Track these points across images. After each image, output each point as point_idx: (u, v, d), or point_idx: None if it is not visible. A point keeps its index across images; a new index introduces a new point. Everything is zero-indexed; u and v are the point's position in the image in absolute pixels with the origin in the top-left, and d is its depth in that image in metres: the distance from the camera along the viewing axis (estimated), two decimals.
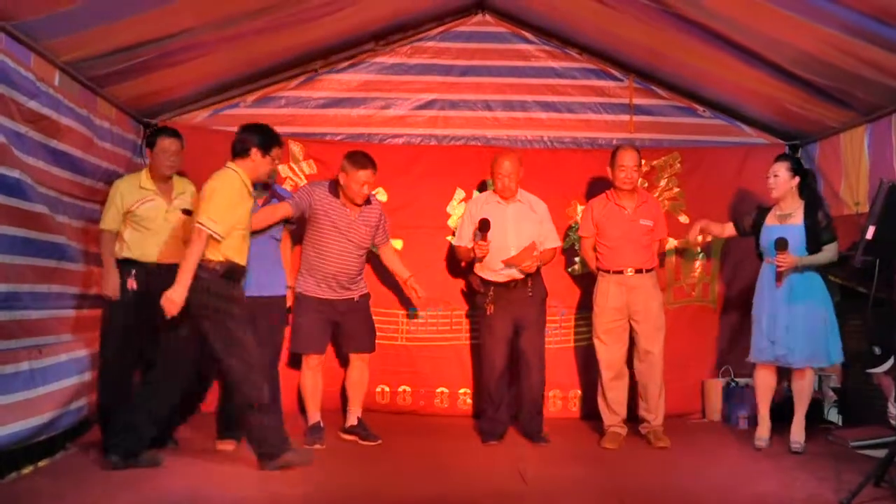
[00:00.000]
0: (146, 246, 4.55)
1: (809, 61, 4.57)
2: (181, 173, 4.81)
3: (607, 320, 5.04)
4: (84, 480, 3.85)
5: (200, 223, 3.94)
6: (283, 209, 4.72)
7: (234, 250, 4.07)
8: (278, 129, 5.65)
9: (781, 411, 4.98)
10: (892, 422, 4.77)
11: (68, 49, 4.12)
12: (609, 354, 5.05)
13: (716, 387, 5.65)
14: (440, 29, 6.01)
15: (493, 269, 4.96)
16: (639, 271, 5.01)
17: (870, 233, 3.68)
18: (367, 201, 4.91)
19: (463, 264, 5.45)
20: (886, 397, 4.94)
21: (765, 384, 4.93)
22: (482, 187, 5.70)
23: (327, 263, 4.79)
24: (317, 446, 4.67)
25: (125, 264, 4.56)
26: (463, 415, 5.65)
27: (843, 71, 4.50)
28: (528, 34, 6.05)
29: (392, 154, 5.68)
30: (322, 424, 4.88)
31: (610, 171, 5.07)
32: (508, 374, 5.08)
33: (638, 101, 6.01)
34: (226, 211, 4.00)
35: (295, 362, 5.15)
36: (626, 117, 6.02)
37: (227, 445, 4.60)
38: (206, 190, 4.06)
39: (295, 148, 5.74)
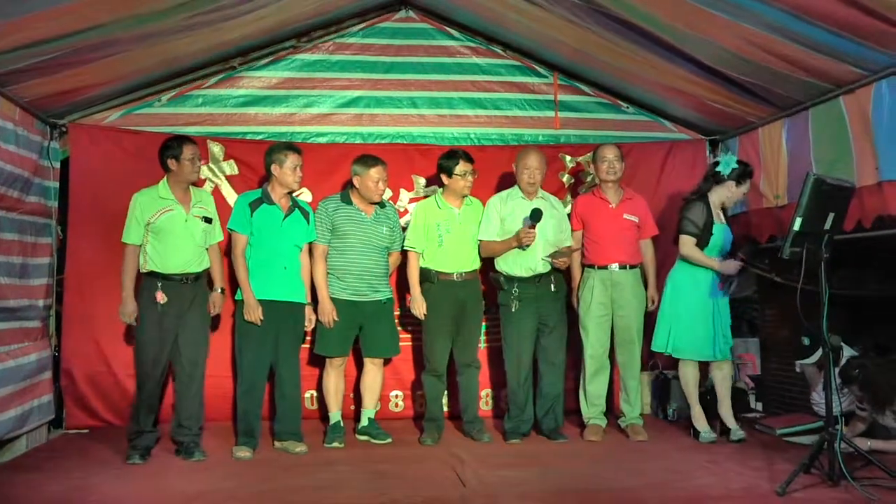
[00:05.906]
0: (169, 258, 4.50)
1: (731, 58, 4.64)
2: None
3: (592, 315, 5.06)
4: (13, 499, 3.62)
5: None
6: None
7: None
8: (195, 129, 5.54)
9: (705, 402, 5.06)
10: (816, 408, 4.91)
11: None
12: (592, 348, 5.07)
13: (644, 380, 5.70)
14: (363, 25, 5.91)
15: (518, 264, 4.94)
16: (623, 267, 5.03)
17: (797, 224, 3.76)
18: (381, 204, 5.01)
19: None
20: (811, 386, 5.09)
21: (687, 378, 4.99)
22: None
23: (352, 265, 4.89)
24: (335, 444, 4.81)
25: (151, 277, 4.49)
26: (394, 417, 5.57)
27: (762, 67, 4.59)
28: (452, 30, 6.00)
29: (317, 153, 5.52)
30: (342, 424, 4.97)
31: (594, 166, 5.28)
32: (533, 372, 5.03)
33: (563, 97, 6.03)
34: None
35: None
36: (551, 114, 6.03)
37: (244, 452, 4.57)
38: None
39: (215, 148, 5.54)
